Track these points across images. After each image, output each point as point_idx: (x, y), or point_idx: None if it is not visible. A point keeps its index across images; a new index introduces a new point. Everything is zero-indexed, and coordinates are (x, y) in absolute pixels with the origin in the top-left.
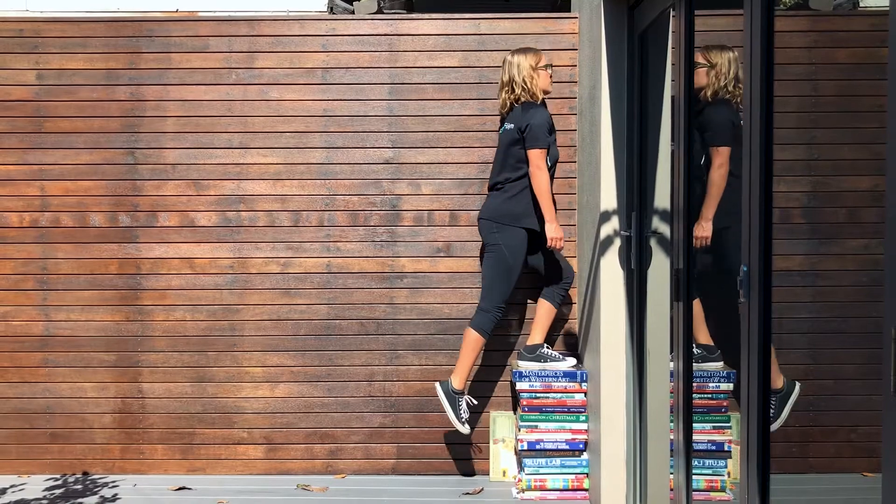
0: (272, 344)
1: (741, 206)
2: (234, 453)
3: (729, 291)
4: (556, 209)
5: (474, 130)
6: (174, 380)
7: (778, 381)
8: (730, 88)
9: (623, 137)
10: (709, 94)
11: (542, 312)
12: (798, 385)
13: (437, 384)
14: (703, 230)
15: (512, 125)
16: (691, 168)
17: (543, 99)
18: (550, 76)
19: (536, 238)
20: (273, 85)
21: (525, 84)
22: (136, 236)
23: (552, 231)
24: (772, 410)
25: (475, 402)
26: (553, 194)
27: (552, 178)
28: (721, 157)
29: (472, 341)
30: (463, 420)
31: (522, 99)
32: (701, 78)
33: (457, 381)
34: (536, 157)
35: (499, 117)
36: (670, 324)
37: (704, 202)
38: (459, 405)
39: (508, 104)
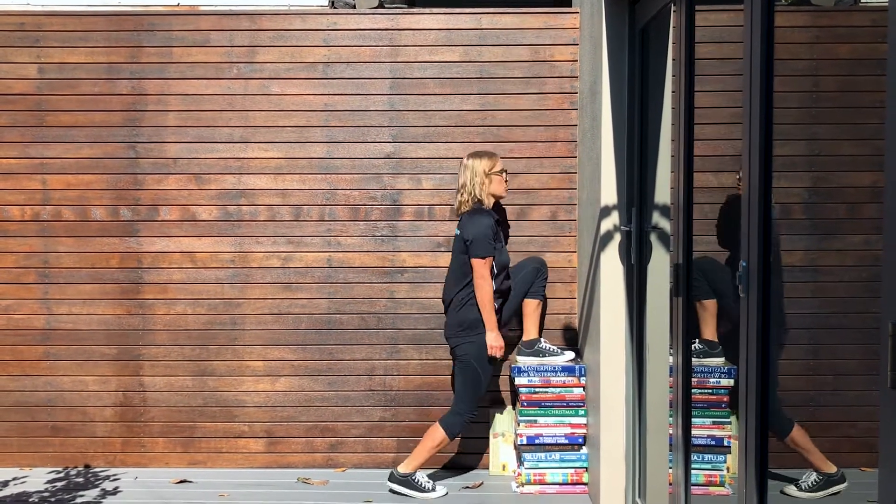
0: (273, 338)
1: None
2: (234, 447)
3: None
4: (497, 318)
5: (475, 125)
6: (175, 373)
7: (830, 467)
8: None
9: (623, 132)
10: None
11: (530, 310)
12: (847, 482)
13: (388, 481)
14: None
15: (459, 232)
16: (692, 163)
17: (497, 202)
18: (506, 181)
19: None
20: (274, 79)
21: (474, 189)
22: (138, 230)
23: (492, 340)
24: (812, 482)
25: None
26: (495, 302)
27: (504, 279)
28: None
29: (438, 439)
30: (429, 488)
31: (471, 204)
32: None
33: (408, 469)
34: (479, 267)
35: (499, 112)
36: (670, 319)
37: None
38: (417, 482)
39: (459, 207)
